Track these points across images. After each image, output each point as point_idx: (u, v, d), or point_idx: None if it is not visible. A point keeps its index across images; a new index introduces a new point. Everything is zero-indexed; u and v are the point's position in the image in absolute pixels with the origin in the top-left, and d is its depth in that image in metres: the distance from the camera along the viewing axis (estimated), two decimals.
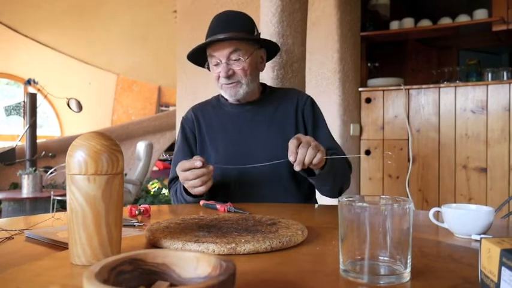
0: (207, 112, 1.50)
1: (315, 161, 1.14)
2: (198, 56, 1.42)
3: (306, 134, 1.44)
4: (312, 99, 1.50)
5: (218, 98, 1.50)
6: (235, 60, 1.34)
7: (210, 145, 1.44)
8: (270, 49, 1.50)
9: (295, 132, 1.41)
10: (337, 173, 1.32)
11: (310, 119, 1.45)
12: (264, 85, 1.55)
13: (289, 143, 1.15)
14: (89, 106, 6.28)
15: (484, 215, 0.85)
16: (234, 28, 1.34)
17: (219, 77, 1.37)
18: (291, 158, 1.14)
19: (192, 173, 1.17)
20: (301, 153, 1.13)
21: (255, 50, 1.39)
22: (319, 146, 1.17)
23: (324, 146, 1.29)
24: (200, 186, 1.19)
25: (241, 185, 1.37)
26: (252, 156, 1.37)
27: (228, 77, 1.35)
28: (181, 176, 1.21)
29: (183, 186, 1.28)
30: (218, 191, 1.34)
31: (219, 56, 1.35)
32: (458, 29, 3.03)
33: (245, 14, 1.44)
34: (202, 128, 1.47)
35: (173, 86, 3.52)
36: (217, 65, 1.37)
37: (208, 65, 1.42)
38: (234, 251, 0.69)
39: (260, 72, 1.48)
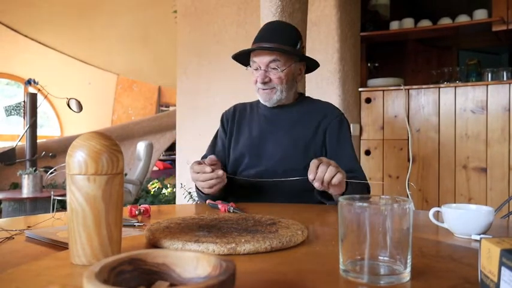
0: (244, 110, 1.61)
1: (334, 180, 1.15)
2: (243, 57, 1.52)
3: (324, 152, 1.46)
4: (341, 119, 1.50)
5: (259, 100, 1.57)
6: (273, 68, 1.43)
7: (235, 136, 1.54)
8: (311, 62, 1.56)
9: (308, 145, 1.44)
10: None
11: (333, 139, 1.46)
12: (301, 94, 1.61)
13: (311, 163, 1.18)
14: (89, 106, 6.27)
15: (484, 215, 0.85)
16: (279, 39, 1.43)
17: (256, 81, 1.46)
18: (310, 176, 1.17)
19: (201, 176, 1.25)
20: (321, 170, 1.15)
21: (294, 62, 1.46)
22: (339, 167, 1.18)
23: (344, 166, 1.28)
24: (209, 188, 1.27)
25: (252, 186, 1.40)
26: (263, 154, 1.45)
27: (264, 83, 1.44)
28: (193, 176, 1.28)
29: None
30: (227, 188, 1.38)
31: (259, 63, 1.44)
32: (458, 29, 3.02)
33: (293, 27, 1.55)
34: (235, 121, 1.58)
35: (173, 86, 3.52)
36: (257, 69, 1.46)
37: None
38: (234, 251, 0.69)
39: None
